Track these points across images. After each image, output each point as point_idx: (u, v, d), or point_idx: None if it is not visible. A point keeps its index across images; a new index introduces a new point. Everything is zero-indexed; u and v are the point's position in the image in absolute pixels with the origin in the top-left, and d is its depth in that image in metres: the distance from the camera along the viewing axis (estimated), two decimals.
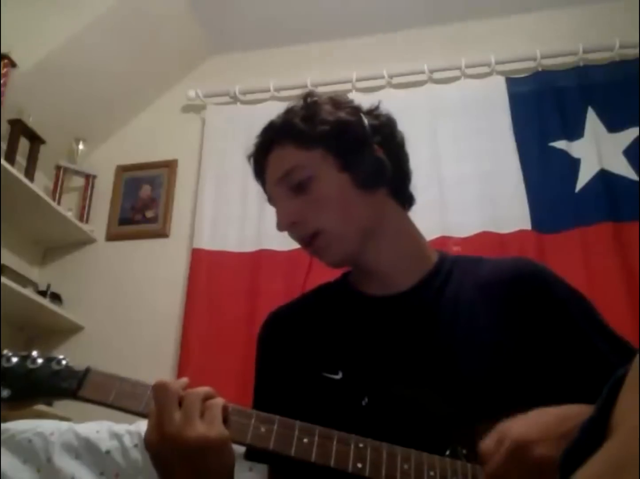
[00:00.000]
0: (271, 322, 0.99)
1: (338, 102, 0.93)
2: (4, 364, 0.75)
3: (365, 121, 0.90)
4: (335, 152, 0.89)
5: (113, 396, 0.73)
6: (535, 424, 0.67)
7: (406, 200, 0.96)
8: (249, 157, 0.98)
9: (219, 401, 0.72)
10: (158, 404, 0.70)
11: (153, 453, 0.70)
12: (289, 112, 0.93)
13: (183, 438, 0.67)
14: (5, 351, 0.76)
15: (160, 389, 0.71)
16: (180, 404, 0.70)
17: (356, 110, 0.92)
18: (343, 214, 0.88)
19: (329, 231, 0.88)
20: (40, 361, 0.76)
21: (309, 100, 0.94)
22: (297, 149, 0.89)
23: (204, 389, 0.72)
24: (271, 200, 0.95)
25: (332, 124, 0.89)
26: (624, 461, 0.30)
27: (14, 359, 0.76)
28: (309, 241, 0.90)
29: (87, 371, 0.76)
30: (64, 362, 0.76)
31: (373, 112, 0.94)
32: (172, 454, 0.68)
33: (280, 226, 0.91)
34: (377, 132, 0.90)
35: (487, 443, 0.67)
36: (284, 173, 0.90)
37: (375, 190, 0.89)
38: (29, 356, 0.76)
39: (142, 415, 0.73)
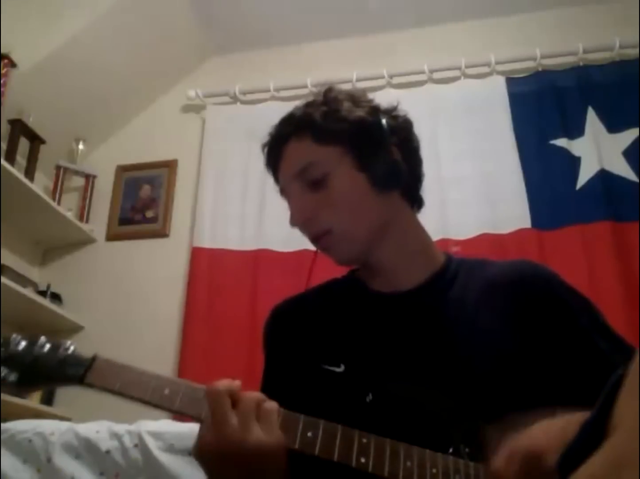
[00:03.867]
0: (276, 314, 1.00)
1: (357, 99, 0.93)
2: (12, 348, 0.75)
3: (384, 121, 0.90)
4: (354, 151, 0.89)
5: (119, 383, 0.73)
6: (544, 435, 0.67)
7: (416, 202, 0.97)
8: (263, 146, 0.97)
9: (275, 406, 0.71)
10: (213, 408, 0.69)
11: (208, 457, 0.69)
12: (309, 105, 0.92)
13: (242, 442, 0.66)
14: (13, 336, 0.76)
15: (214, 394, 0.70)
16: (234, 407, 0.69)
17: (375, 109, 0.92)
18: (356, 214, 0.88)
19: (340, 230, 0.88)
20: (47, 346, 0.76)
21: (329, 95, 0.93)
22: (316, 144, 0.89)
23: (257, 394, 0.72)
24: (284, 192, 0.95)
25: (351, 122, 0.89)
26: (623, 461, 0.30)
27: (22, 344, 0.76)
28: (320, 237, 0.90)
29: (94, 358, 0.76)
30: (71, 348, 0.77)
31: (391, 113, 0.93)
32: (229, 458, 0.67)
33: (294, 221, 0.91)
34: (395, 133, 0.90)
35: (498, 461, 0.67)
36: (301, 168, 0.89)
37: (389, 192, 0.90)
38: (36, 342, 0.76)
39: (148, 403, 0.73)
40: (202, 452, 0.69)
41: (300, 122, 0.91)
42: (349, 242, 0.89)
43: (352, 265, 0.96)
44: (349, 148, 0.89)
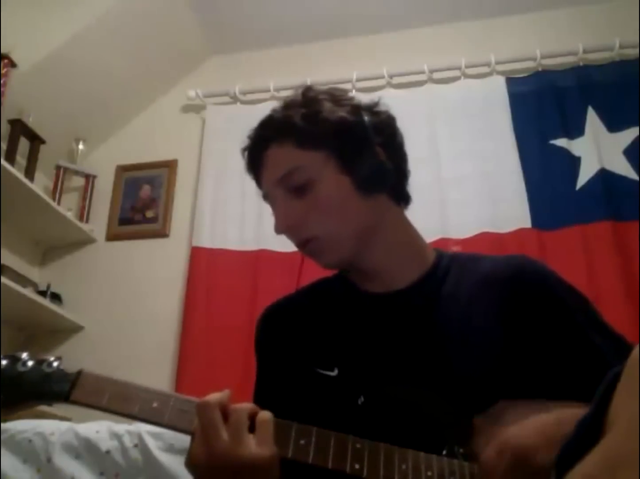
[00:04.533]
0: (267, 316, 0.99)
1: (338, 98, 0.91)
2: None
3: (367, 120, 0.88)
4: (338, 154, 0.87)
5: (106, 399, 0.72)
6: (534, 431, 0.66)
7: (403, 199, 0.95)
8: (243, 150, 0.95)
9: (269, 416, 0.70)
10: (204, 422, 0.68)
11: (200, 471, 0.69)
12: (288, 107, 0.90)
13: (234, 455, 0.66)
14: None
15: (204, 408, 0.69)
16: (225, 420, 0.68)
17: (357, 108, 0.90)
18: (343, 219, 0.87)
19: (327, 235, 0.87)
20: (30, 363, 0.73)
21: (308, 95, 0.91)
22: (298, 149, 0.87)
23: (249, 405, 0.71)
24: (268, 199, 0.93)
25: (334, 124, 0.87)
26: (618, 460, 0.30)
27: (4, 362, 0.73)
28: (306, 243, 0.89)
29: (79, 373, 0.74)
30: (55, 364, 0.74)
31: (373, 109, 0.92)
32: (221, 472, 0.67)
33: (278, 229, 0.89)
34: (379, 132, 0.89)
35: (488, 454, 0.66)
36: (285, 174, 0.87)
37: (376, 194, 0.88)
38: (19, 359, 0.74)
39: (136, 418, 0.72)
40: (194, 465, 0.69)
41: (280, 126, 0.89)
42: (336, 247, 0.87)
43: (339, 269, 0.95)
44: (332, 151, 0.87)
